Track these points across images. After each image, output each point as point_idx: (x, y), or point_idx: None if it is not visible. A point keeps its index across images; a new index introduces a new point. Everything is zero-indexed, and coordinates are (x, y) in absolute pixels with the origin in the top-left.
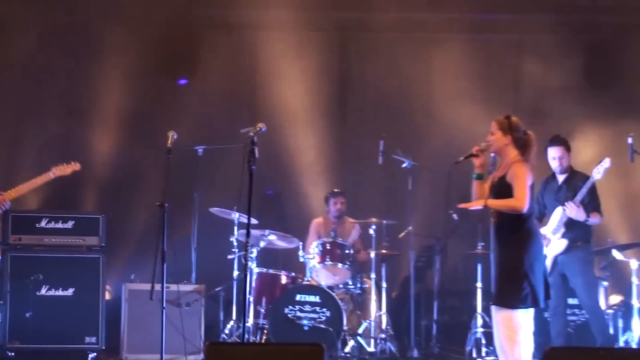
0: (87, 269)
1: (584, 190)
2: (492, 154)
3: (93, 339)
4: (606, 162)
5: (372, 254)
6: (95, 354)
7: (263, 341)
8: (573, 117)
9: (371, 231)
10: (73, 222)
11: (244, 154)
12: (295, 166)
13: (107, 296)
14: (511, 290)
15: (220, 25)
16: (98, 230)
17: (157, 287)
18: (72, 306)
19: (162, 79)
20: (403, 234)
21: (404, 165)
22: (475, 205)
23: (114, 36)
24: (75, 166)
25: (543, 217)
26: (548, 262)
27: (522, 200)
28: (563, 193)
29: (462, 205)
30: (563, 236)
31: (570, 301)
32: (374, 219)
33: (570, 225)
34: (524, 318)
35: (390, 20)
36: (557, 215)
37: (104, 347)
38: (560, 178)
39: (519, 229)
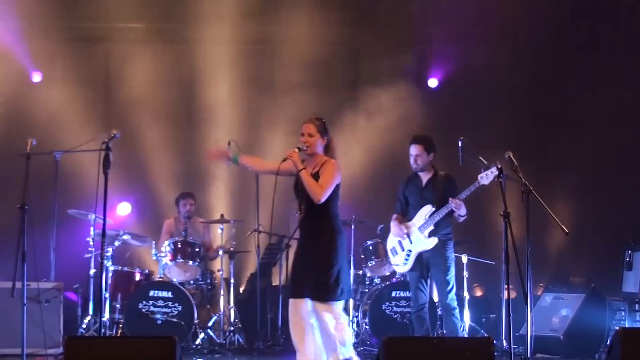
0: None
1: (471, 189)
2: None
3: None
4: (494, 170)
5: (221, 252)
6: None
7: (119, 335)
8: (408, 123)
9: (220, 230)
10: None
11: (99, 159)
12: (149, 170)
13: None
14: (331, 285)
15: (76, 38)
16: None
17: (18, 284)
18: None
19: (21, 86)
20: (250, 232)
21: (249, 168)
22: (295, 161)
23: None
24: None
25: (406, 214)
26: (412, 258)
27: (322, 191)
28: (430, 192)
29: (287, 154)
30: (433, 234)
31: (403, 294)
32: (222, 219)
33: (440, 224)
34: (342, 308)
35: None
36: (424, 213)
37: None
38: (424, 178)
39: (328, 227)
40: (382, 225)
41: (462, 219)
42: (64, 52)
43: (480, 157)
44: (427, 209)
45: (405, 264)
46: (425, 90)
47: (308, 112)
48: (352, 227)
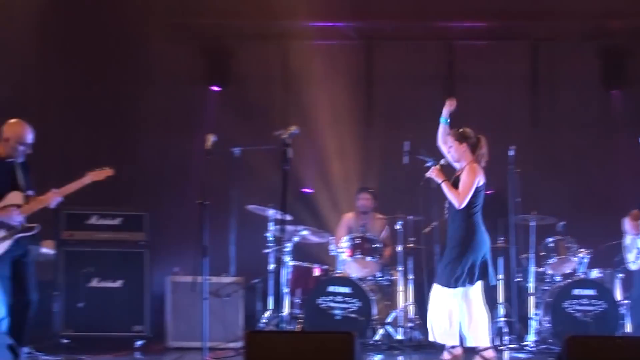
0: (134, 262)
1: None
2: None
3: (140, 328)
4: None
5: (399, 248)
6: (142, 341)
7: (298, 330)
8: (588, 119)
9: (398, 226)
10: (120, 218)
11: (278, 155)
12: (327, 165)
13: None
14: None
15: (253, 35)
16: (143, 226)
17: (199, 279)
18: (120, 297)
19: (203, 85)
20: (428, 229)
21: (427, 164)
22: (435, 176)
23: (156, 45)
24: (108, 172)
25: None
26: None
27: (460, 198)
28: None
29: (428, 174)
30: None
31: (587, 292)
32: (400, 215)
33: None
34: None
35: (410, 29)
36: None
37: (150, 335)
38: None
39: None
40: (563, 223)
41: None
42: (244, 50)
43: None
44: None
45: (635, 262)
46: (609, 89)
47: (482, 109)
48: (533, 223)
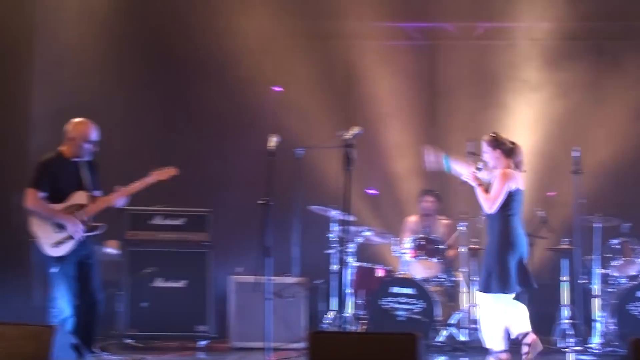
0: (197, 262)
1: None
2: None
3: (203, 327)
4: None
5: (463, 249)
6: (206, 341)
7: (361, 331)
8: None
9: (461, 228)
10: (184, 218)
11: (341, 156)
12: (391, 166)
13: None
14: None
15: (316, 35)
16: (207, 226)
17: (262, 279)
18: (183, 297)
19: (265, 85)
20: None
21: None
22: (471, 180)
23: (217, 46)
24: (172, 171)
25: None
26: None
27: (490, 203)
28: None
29: (463, 178)
30: None
31: None
32: (463, 216)
33: None
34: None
35: (474, 29)
36: None
37: (213, 335)
38: None
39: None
40: (629, 224)
41: None
42: (306, 50)
43: None
44: None
45: None
46: None
47: (546, 110)
48: (598, 225)
